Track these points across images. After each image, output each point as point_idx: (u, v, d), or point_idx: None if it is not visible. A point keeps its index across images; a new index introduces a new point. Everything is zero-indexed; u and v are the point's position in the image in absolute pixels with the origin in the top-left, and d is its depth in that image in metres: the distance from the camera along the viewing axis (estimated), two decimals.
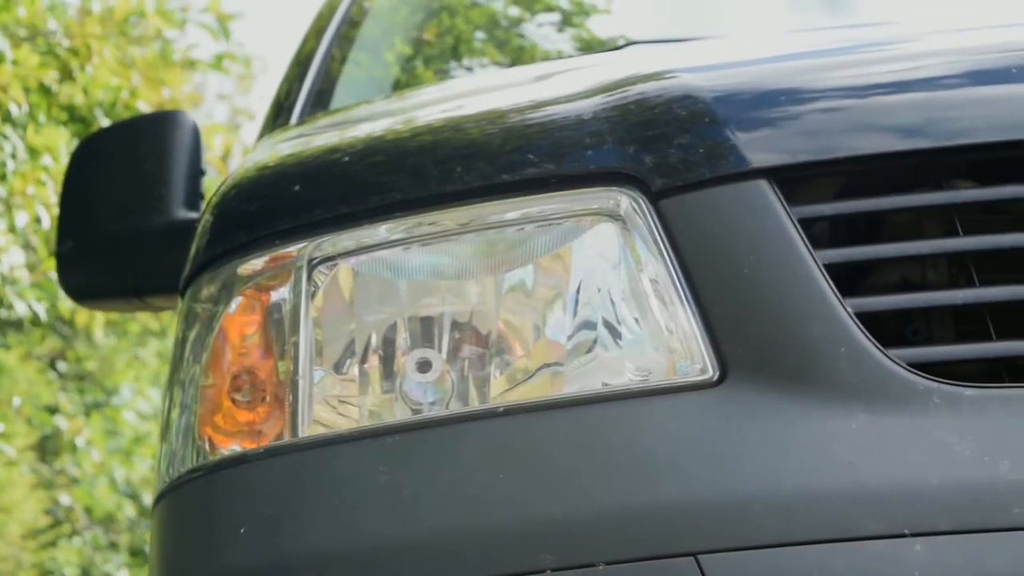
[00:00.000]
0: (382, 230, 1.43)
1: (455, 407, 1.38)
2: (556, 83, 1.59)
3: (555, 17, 3.19)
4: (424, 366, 1.41)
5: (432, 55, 2.51)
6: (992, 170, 1.35)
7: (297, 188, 1.47)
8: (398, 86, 2.41)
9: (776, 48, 1.61)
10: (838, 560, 1.19)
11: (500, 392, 1.38)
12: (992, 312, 1.30)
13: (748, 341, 1.29)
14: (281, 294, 1.46)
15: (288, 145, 1.65)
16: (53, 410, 9.27)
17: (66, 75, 5.56)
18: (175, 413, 1.50)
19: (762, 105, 1.39)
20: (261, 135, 2.24)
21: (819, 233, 1.37)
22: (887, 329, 1.35)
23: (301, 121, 2.19)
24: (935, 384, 1.25)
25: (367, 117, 1.71)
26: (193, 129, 2.15)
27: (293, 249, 1.45)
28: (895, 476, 1.22)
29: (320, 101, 2.24)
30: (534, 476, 1.28)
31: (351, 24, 2.42)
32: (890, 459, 1.22)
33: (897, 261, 1.37)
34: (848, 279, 1.38)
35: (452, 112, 1.57)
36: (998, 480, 1.20)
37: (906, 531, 1.19)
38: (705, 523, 1.22)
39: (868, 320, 1.30)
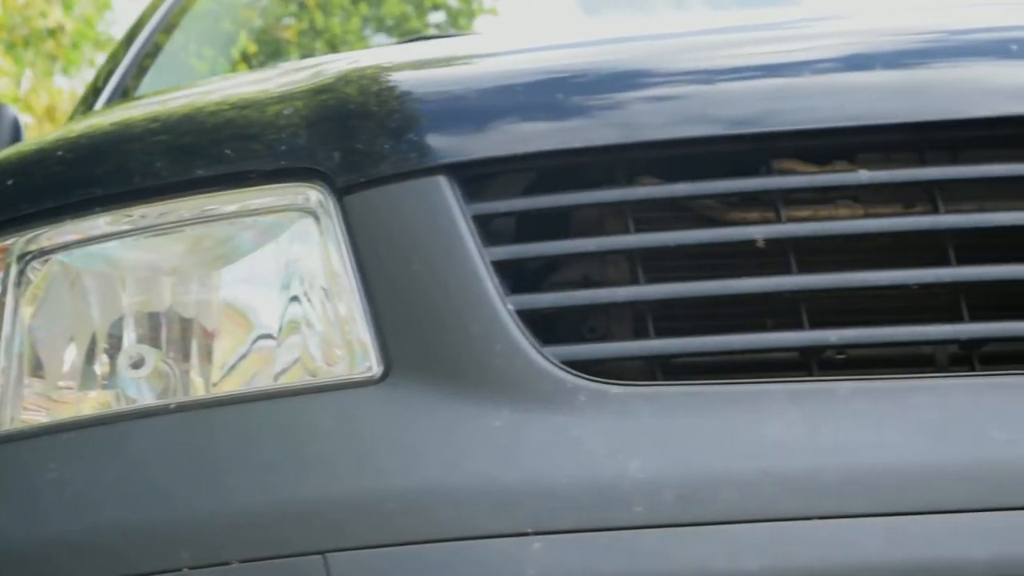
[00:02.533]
0: (94, 225, 1.44)
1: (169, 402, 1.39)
2: (290, 79, 1.59)
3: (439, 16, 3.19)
4: (137, 362, 1.41)
5: (281, 52, 2.51)
6: (672, 167, 1.34)
7: (11, 181, 1.48)
8: None
9: (512, 44, 1.61)
10: (460, 558, 1.19)
11: (207, 387, 1.38)
12: (663, 308, 1.30)
13: (412, 338, 1.29)
14: None
15: (48, 135, 1.66)
16: None
17: None
18: None
19: (453, 101, 1.39)
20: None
21: (502, 231, 1.37)
22: (566, 328, 1.35)
23: (100, 109, 2.20)
24: (583, 382, 1.25)
25: (127, 109, 1.72)
26: (13, 123, 2.16)
27: (6, 243, 1.46)
28: (527, 474, 1.21)
29: (129, 90, 2.25)
30: (190, 474, 1.28)
31: (179, 13, 2.42)
32: (526, 457, 1.22)
33: (579, 259, 1.37)
34: (533, 277, 1.38)
35: (177, 106, 1.57)
36: (625, 479, 1.19)
37: (528, 529, 1.18)
38: (338, 521, 1.22)
39: (535, 318, 1.29)
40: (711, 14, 2.83)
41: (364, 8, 2.89)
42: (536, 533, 1.18)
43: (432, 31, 3.14)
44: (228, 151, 1.40)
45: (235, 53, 2.45)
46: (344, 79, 1.45)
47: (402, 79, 1.42)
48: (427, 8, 3.11)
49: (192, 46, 2.41)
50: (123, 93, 2.23)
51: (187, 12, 2.42)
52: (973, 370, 1.25)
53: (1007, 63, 1.34)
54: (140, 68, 2.31)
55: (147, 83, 2.23)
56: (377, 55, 1.58)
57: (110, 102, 2.21)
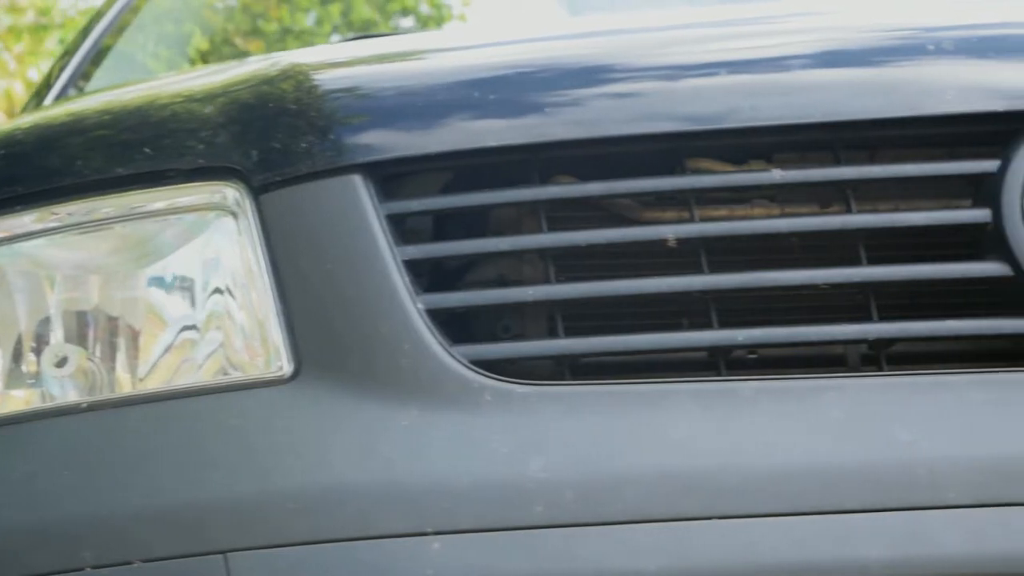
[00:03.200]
0: (19, 222, 1.43)
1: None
2: (218, 77, 1.59)
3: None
4: (61, 360, 1.41)
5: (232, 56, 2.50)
6: (588, 166, 1.33)
7: None
8: None
9: (436, 43, 1.60)
10: (360, 558, 1.18)
11: (132, 385, 1.38)
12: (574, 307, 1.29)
13: (322, 338, 1.29)
14: None
15: None
16: None
17: None
18: None
19: (368, 101, 1.39)
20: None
21: (419, 230, 1.36)
22: (483, 328, 1.34)
23: (44, 105, 2.20)
24: (489, 381, 1.24)
25: (61, 106, 1.72)
26: None
27: None
28: (428, 474, 1.20)
29: (80, 85, 2.25)
30: (95, 473, 1.28)
31: (132, 11, 2.42)
32: (429, 456, 1.21)
33: (495, 258, 1.36)
34: (452, 277, 1.37)
35: (107, 104, 1.57)
36: (526, 478, 1.19)
37: (428, 529, 1.18)
38: (239, 521, 1.21)
39: (449, 318, 1.28)
40: (691, 9, 2.82)
41: (335, 11, 2.89)
42: (436, 533, 1.17)
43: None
44: (148, 150, 1.40)
45: (192, 53, 2.45)
46: (261, 78, 1.44)
47: (320, 78, 1.41)
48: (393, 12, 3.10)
49: (150, 45, 2.41)
50: (75, 88, 2.23)
51: (143, 9, 2.42)
52: (881, 370, 1.24)
53: (924, 63, 1.34)
54: (93, 63, 2.31)
55: (100, 79, 2.22)
56: (304, 54, 1.57)
57: (60, 97, 2.21)
